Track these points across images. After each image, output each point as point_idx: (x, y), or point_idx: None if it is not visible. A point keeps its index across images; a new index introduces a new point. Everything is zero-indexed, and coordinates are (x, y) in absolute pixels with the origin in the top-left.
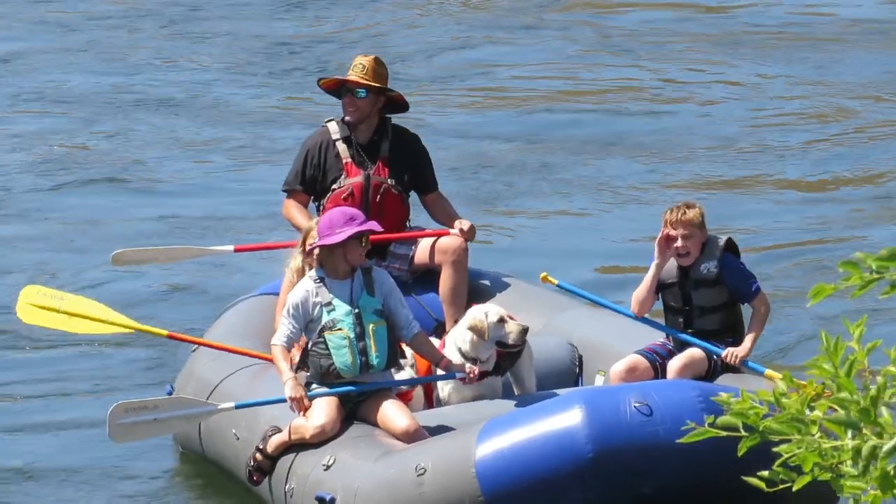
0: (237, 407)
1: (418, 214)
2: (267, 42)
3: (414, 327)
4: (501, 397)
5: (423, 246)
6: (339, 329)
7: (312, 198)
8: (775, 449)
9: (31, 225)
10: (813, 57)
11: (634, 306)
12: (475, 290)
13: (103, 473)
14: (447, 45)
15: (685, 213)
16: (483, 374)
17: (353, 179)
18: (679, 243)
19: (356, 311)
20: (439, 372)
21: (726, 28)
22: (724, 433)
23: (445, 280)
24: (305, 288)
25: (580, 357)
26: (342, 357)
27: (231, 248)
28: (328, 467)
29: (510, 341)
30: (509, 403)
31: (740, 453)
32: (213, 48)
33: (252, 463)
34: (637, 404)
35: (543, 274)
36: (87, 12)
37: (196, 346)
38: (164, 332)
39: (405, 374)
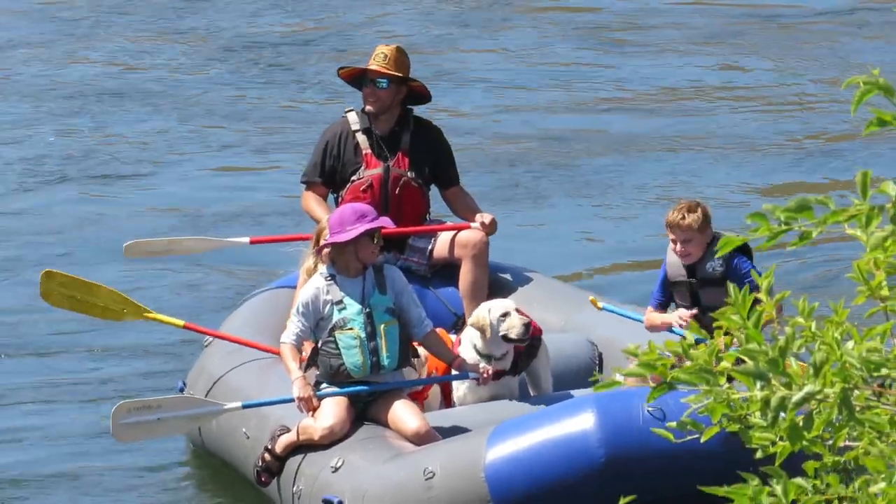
0: (244, 407)
1: (438, 208)
2: (247, 37)
3: (426, 326)
4: (518, 398)
5: (443, 240)
6: (350, 328)
7: (332, 190)
8: (683, 399)
9: (34, 220)
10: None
11: (646, 326)
12: (496, 284)
13: (113, 472)
14: (435, 38)
15: (684, 217)
16: (499, 374)
17: (372, 171)
18: (678, 248)
19: (367, 310)
20: (455, 372)
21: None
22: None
23: (465, 274)
24: (316, 285)
25: (600, 355)
26: (353, 357)
27: (247, 239)
28: (336, 469)
29: (513, 336)
30: (525, 405)
31: (648, 402)
32: (196, 41)
33: (260, 463)
34: (650, 408)
35: (592, 297)
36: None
37: (209, 340)
38: (181, 322)
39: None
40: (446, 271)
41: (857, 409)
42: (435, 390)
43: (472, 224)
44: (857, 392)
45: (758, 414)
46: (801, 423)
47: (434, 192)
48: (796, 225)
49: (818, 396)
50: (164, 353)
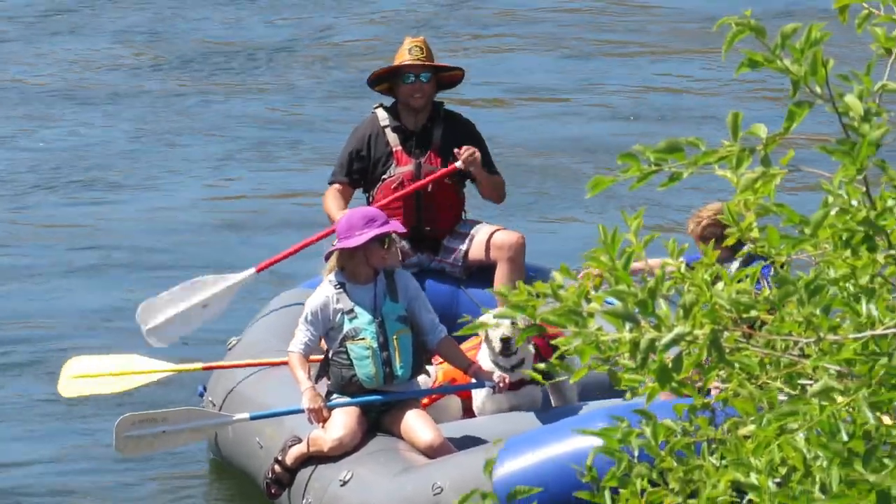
0: (252, 418)
1: (476, 206)
2: (230, 44)
3: (440, 332)
4: (540, 408)
5: (479, 241)
6: (362, 339)
7: (363, 189)
8: (553, 342)
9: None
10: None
11: None
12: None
13: (129, 479)
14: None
15: (690, 227)
16: (520, 383)
17: (403, 168)
18: None
19: (379, 319)
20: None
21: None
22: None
23: (501, 277)
24: (325, 293)
25: None
26: (365, 368)
27: (252, 270)
28: (345, 483)
29: (496, 351)
30: (545, 416)
31: (518, 343)
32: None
33: (270, 475)
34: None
35: None
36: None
37: (232, 343)
38: (199, 365)
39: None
40: (481, 273)
41: (727, 350)
42: (455, 399)
43: (457, 163)
44: (726, 334)
45: (627, 355)
46: (670, 365)
47: (470, 188)
48: (666, 166)
49: (687, 338)
50: (186, 353)
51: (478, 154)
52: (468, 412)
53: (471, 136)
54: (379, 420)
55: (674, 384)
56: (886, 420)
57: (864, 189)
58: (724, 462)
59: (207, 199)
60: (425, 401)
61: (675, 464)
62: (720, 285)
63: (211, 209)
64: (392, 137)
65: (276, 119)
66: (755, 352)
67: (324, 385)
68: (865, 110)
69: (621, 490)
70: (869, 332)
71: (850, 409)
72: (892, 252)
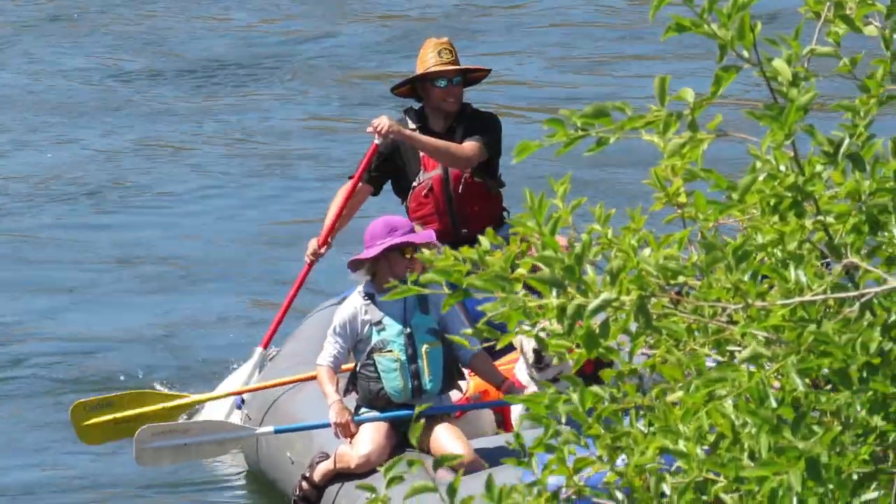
0: (276, 432)
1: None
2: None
3: (473, 347)
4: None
5: None
6: (390, 351)
7: (400, 199)
8: (479, 307)
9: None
10: None
11: None
12: None
13: (162, 489)
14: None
15: None
16: None
17: (431, 173)
18: None
19: (408, 330)
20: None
21: None
22: (428, 290)
23: None
24: (354, 304)
25: None
26: (392, 381)
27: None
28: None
29: (530, 363)
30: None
31: (444, 310)
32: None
33: (297, 492)
34: None
35: None
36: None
37: (272, 353)
38: (230, 392)
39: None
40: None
41: (654, 316)
42: (486, 413)
43: (376, 140)
44: (653, 300)
45: (554, 321)
46: (597, 331)
47: (509, 188)
48: (593, 131)
49: (614, 304)
50: (222, 360)
51: (384, 122)
52: (501, 426)
53: (487, 127)
54: (408, 435)
55: (601, 350)
56: None
57: (793, 154)
58: (651, 429)
59: (235, 213)
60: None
61: (602, 430)
62: (647, 251)
63: (241, 223)
64: None
65: (295, 129)
66: (683, 318)
67: (353, 399)
68: (794, 75)
69: (549, 457)
70: (797, 299)
71: (779, 376)
72: (821, 218)
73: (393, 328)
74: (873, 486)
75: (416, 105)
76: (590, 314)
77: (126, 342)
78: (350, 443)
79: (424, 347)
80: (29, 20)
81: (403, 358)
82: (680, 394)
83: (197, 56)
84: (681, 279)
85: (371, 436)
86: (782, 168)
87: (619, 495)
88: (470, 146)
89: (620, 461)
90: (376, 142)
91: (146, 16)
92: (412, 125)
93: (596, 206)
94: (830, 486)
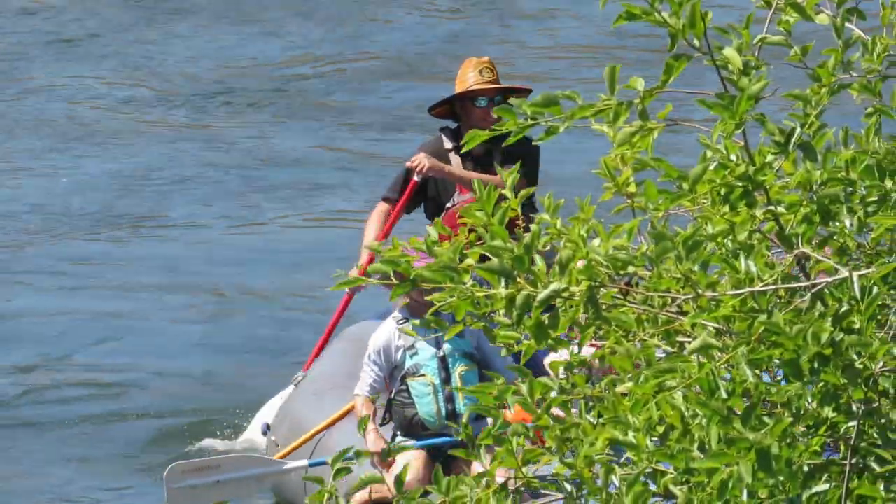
0: (311, 466)
1: None
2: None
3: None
4: None
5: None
6: (423, 375)
7: (427, 217)
8: (428, 297)
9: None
10: None
11: None
12: None
13: None
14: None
15: None
16: None
17: (467, 195)
18: None
19: (441, 354)
20: None
21: None
22: (375, 281)
23: None
24: (388, 330)
25: None
26: (426, 406)
27: (300, 375)
28: None
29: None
30: None
31: (392, 299)
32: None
33: None
34: None
35: None
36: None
37: (298, 378)
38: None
39: None
40: None
41: (604, 307)
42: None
43: (415, 177)
44: (603, 290)
45: (502, 312)
46: (546, 322)
47: None
48: (543, 120)
49: (564, 294)
50: (243, 384)
51: (424, 161)
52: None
53: (526, 154)
54: (447, 464)
55: (550, 341)
56: None
57: (743, 143)
58: (601, 420)
59: (272, 241)
60: None
61: (551, 422)
62: (597, 241)
63: (278, 252)
64: (455, 162)
65: (315, 152)
66: (632, 308)
67: (389, 427)
68: (744, 63)
69: (497, 448)
70: (748, 289)
71: (729, 367)
72: (772, 208)
73: (426, 352)
74: (824, 477)
75: (452, 125)
76: (539, 305)
77: (165, 374)
78: (387, 472)
79: (458, 370)
80: (44, 41)
81: (437, 382)
82: (629, 385)
83: (229, 82)
84: (630, 269)
85: (407, 464)
86: (733, 157)
87: (568, 487)
88: (484, 179)
89: (569, 453)
90: (415, 179)
91: (166, 37)
92: (448, 144)
93: (546, 196)
94: (781, 478)
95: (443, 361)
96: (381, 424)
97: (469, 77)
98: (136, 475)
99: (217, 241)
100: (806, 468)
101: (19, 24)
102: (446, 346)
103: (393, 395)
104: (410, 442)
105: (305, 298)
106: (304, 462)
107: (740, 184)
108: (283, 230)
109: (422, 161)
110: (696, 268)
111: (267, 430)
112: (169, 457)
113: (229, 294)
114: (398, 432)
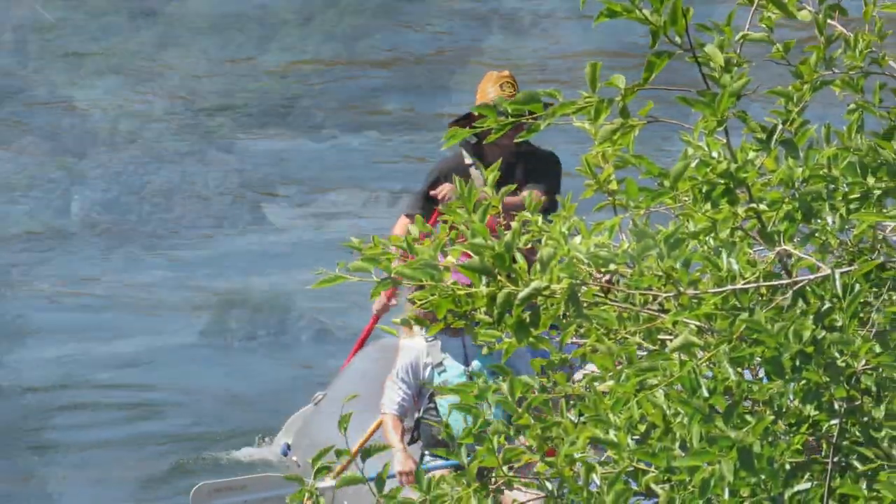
0: (338, 486)
1: None
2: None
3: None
4: None
5: None
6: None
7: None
8: (409, 296)
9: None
10: None
11: None
12: None
13: None
14: None
15: None
16: None
17: None
18: None
19: (469, 370)
20: None
21: None
22: (357, 278)
23: None
24: (417, 347)
25: None
26: (454, 423)
27: (320, 394)
28: None
29: None
30: None
31: (372, 298)
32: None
33: None
34: None
35: None
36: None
37: (319, 397)
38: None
39: None
40: None
41: (585, 305)
42: None
43: (439, 206)
44: (584, 288)
45: (483, 310)
46: (527, 320)
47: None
48: (524, 118)
49: (545, 292)
50: (261, 402)
51: (449, 192)
52: None
53: (548, 170)
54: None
55: (531, 339)
56: None
57: (725, 141)
58: (582, 419)
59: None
60: None
61: (532, 420)
62: (578, 239)
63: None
64: (476, 175)
65: (341, 167)
66: (613, 306)
67: (418, 447)
68: (726, 60)
69: (478, 447)
70: (729, 287)
71: (711, 365)
72: (753, 205)
73: (454, 369)
74: (806, 476)
75: (472, 139)
76: (520, 303)
77: (191, 394)
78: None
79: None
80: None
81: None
82: (610, 383)
83: (252, 98)
84: (612, 267)
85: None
86: (715, 155)
87: (549, 485)
88: (533, 198)
89: None
90: (440, 209)
91: (174, 51)
92: (468, 160)
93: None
94: (763, 477)
95: (471, 379)
96: (410, 443)
97: (489, 92)
98: (162, 495)
99: (233, 253)
100: (788, 466)
101: (29, 39)
102: (475, 364)
103: (421, 412)
104: (439, 462)
105: (331, 312)
106: (332, 482)
107: (722, 181)
108: (299, 240)
109: (446, 192)
110: (677, 265)
111: (287, 450)
112: (196, 476)
113: (247, 307)
114: (426, 451)
